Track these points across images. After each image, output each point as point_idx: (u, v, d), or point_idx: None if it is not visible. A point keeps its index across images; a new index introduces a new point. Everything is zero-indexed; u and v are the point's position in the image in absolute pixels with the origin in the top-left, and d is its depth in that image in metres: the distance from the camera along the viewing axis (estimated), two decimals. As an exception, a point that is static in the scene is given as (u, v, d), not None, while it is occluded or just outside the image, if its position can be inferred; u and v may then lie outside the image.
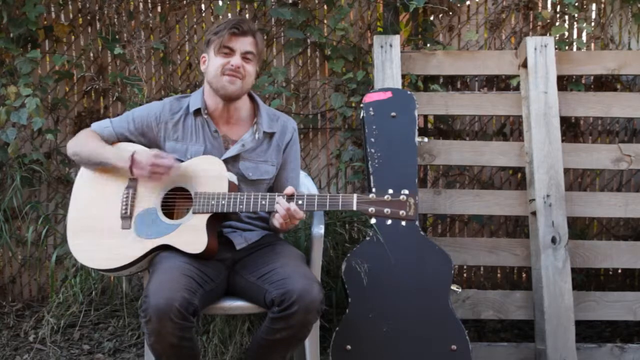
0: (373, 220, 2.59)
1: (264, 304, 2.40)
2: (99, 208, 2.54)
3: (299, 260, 2.50)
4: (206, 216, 2.43)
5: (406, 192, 2.34)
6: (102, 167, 2.57)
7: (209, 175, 2.47)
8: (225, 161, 2.53)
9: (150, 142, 2.62)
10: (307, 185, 2.90)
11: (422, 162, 3.43)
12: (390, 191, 2.34)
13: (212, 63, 2.55)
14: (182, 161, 2.55)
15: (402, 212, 2.33)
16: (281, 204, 2.38)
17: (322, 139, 3.80)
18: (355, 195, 2.35)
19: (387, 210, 2.33)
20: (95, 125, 2.67)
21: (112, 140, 2.63)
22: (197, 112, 2.60)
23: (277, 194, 2.42)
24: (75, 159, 2.63)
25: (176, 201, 2.52)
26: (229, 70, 2.51)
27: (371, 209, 2.34)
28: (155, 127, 2.61)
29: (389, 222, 2.38)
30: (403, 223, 2.36)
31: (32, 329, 3.44)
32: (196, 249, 2.41)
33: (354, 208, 2.35)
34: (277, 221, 2.43)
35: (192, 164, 2.53)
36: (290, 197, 2.39)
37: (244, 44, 2.51)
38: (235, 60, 2.51)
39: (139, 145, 2.61)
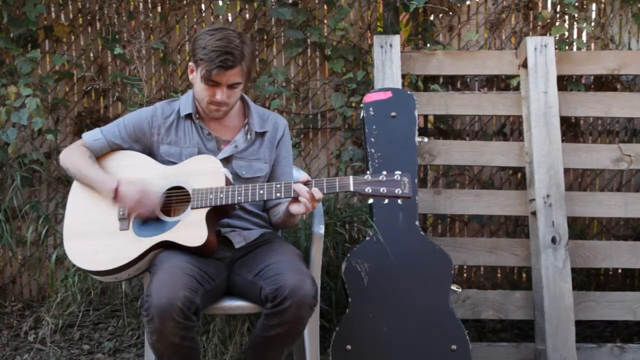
0: (370, 201, 2.58)
1: (260, 301, 2.41)
2: (97, 210, 2.53)
3: (294, 256, 2.50)
4: (205, 210, 2.43)
5: (399, 172, 2.38)
6: None
7: (206, 172, 2.48)
8: None
9: (145, 148, 2.63)
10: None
11: (422, 162, 3.43)
12: (385, 172, 2.39)
13: (198, 86, 2.53)
14: (175, 164, 2.57)
15: (397, 190, 2.36)
16: (302, 188, 2.39)
17: (322, 139, 3.80)
18: (351, 177, 2.39)
19: (383, 189, 2.36)
20: (86, 137, 2.65)
21: (105, 151, 2.63)
22: (188, 115, 2.62)
23: (283, 182, 2.43)
24: (67, 172, 2.64)
25: (174, 200, 2.52)
26: (214, 101, 2.51)
27: (368, 189, 2.37)
28: (149, 132, 2.61)
29: (386, 201, 2.41)
30: (399, 202, 2.39)
31: (32, 329, 3.44)
32: (196, 242, 2.41)
33: (351, 189, 2.38)
34: (301, 207, 2.41)
35: (188, 164, 2.54)
36: (306, 183, 2.40)
37: (230, 76, 2.47)
38: (220, 95, 2.49)
39: (128, 162, 2.59)
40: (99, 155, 2.63)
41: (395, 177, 2.37)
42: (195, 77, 2.53)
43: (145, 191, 2.46)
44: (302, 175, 2.46)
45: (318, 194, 2.39)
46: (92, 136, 2.64)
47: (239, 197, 2.42)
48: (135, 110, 2.72)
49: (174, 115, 2.63)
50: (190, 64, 2.55)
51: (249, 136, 2.64)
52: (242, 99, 2.69)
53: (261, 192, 2.43)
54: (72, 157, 2.61)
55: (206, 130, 2.61)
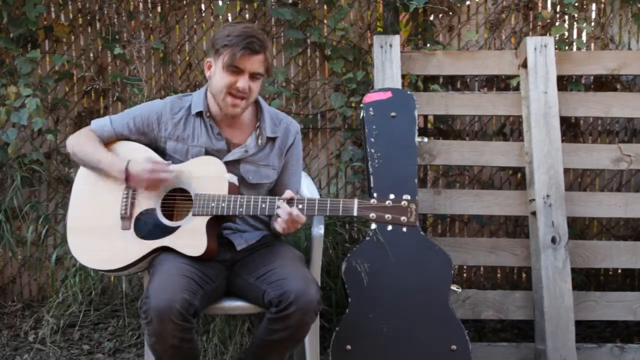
0: (373, 226, 2.56)
1: (263, 305, 2.40)
2: (99, 208, 2.53)
3: (297, 261, 2.49)
4: (206, 218, 2.42)
5: (408, 197, 2.32)
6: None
7: (209, 176, 2.46)
8: (226, 164, 2.51)
9: (151, 142, 2.61)
10: (307, 185, 2.90)
11: (422, 162, 3.43)
12: (392, 196, 2.32)
13: (217, 77, 2.48)
14: (181, 162, 2.55)
15: (403, 218, 2.31)
16: (283, 208, 2.36)
17: (322, 139, 3.80)
18: (356, 201, 2.34)
19: (388, 216, 2.31)
20: (94, 124, 2.63)
21: (112, 140, 2.62)
22: (199, 113, 2.58)
23: (277, 197, 2.41)
24: (73, 157, 2.63)
25: (176, 202, 2.51)
26: (234, 91, 2.46)
27: (372, 215, 2.32)
28: (157, 127, 2.59)
29: (390, 227, 2.37)
30: (404, 229, 2.35)
31: (32, 329, 3.44)
32: (196, 251, 2.41)
33: (355, 213, 2.33)
34: (279, 225, 2.41)
35: (192, 165, 2.52)
36: (290, 201, 2.38)
37: (254, 63, 2.44)
38: (242, 83, 2.44)
39: (135, 146, 2.58)
40: (105, 144, 2.61)
41: (403, 203, 2.31)
42: (215, 69, 2.48)
43: (155, 166, 2.45)
44: (287, 192, 2.41)
45: (301, 218, 2.36)
46: (101, 125, 2.62)
47: (241, 209, 2.41)
48: (147, 102, 2.70)
49: (183, 112, 2.59)
50: (208, 59, 2.52)
51: (259, 141, 2.60)
52: (255, 101, 2.63)
53: (263, 206, 2.40)
54: (81, 141, 2.60)
55: (216, 130, 2.56)
